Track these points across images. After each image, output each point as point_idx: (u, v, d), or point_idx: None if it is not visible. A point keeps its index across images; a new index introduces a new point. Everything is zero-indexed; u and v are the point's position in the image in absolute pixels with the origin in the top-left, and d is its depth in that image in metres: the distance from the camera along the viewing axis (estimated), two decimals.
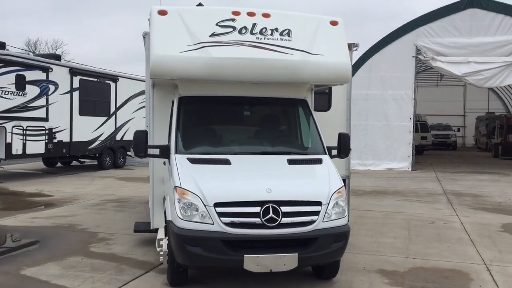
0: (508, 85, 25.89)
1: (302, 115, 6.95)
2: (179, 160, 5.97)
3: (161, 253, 6.11)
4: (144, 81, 22.64)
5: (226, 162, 5.97)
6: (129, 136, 21.40)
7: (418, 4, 75.13)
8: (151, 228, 7.56)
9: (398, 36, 21.97)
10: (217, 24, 6.27)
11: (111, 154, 20.57)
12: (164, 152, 6.38)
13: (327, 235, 5.52)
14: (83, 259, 7.16)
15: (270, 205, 5.35)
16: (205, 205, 5.35)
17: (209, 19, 6.31)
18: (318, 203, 5.54)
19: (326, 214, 5.55)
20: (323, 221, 5.52)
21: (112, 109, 20.39)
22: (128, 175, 18.54)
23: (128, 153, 21.99)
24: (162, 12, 6.27)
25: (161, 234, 7.22)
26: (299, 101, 7.04)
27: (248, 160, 6.14)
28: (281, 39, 6.31)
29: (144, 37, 7.67)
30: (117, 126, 20.70)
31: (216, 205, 5.34)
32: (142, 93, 22.22)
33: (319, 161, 6.27)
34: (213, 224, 5.31)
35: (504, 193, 14.73)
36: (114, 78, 20.60)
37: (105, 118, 19.92)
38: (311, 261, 5.59)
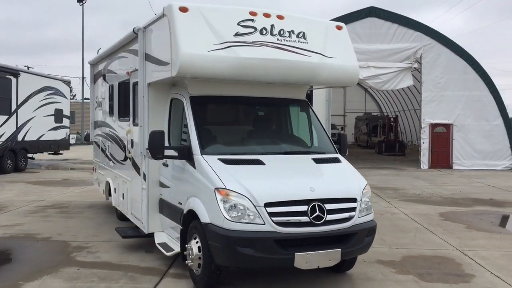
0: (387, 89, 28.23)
1: (308, 115, 7.17)
2: (211, 161, 5.85)
3: (191, 257, 5.90)
4: (49, 77, 21.68)
5: (259, 162, 5.97)
6: (31, 137, 19.86)
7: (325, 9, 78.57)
8: (146, 232, 7.25)
9: None
10: (238, 24, 6.24)
11: (12, 157, 18.82)
12: (184, 153, 6.19)
13: (362, 229, 5.81)
14: (80, 269, 6.66)
15: (316, 203, 5.51)
16: (255, 206, 5.34)
17: (230, 18, 6.25)
18: (354, 200, 5.81)
19: (360, 210, 5.84)
20: (358, 217, 5.80)
21: (14, 107, 18.67)
22: (38, 178, 17.14)
23: (29, 155, 20.34)
24: (183, 9, 6.07)
25: (160, 238, 7.01)
26: (301, 101, 7.25)
27: (278, 160, 6.20)
28: (298, 41, 6.46)
29: (136, 33, 7.29)
30: (19, 125, 19.02)
31: (267, 205, 5.36)
32: (44, 89, 20.77)
33: (338, 160, 6.54)
34: (264, 224, 5.32)
35: (415, 186, 16.25)
36: (15, 73, 18.89)
37: (5, 117, 18.19)
38: (350, 255, 5.84)
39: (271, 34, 6.34)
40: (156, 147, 6.19)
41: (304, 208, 5.46)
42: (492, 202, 13.12)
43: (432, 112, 22.77)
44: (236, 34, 6.15)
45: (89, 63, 11.66)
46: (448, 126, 22.89)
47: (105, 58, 10.21)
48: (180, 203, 6.37)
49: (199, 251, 5.78)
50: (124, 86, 8.63)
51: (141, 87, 7.21)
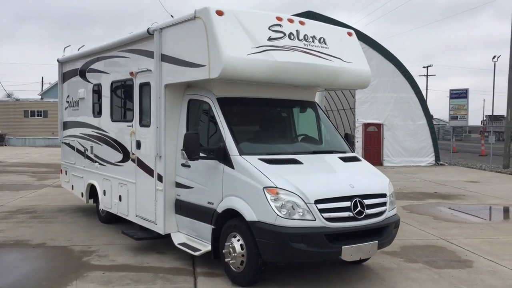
0: None
1: (320, 115, 7.55)
2: (253, 161, 6.04)
3: (233, 254, 6.05)
4: None
5: (297, 161, 6.26)
6: None
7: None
8: (163, 233, 7.25)
9: None
10: (269, 29, 6.48)
11: None
12: (220, 154, 6.31)
13: (391, 222, 6.31)
14: (105, 273, 6.55)
15: (357, 199, 5.91)
16: (306, 203, 5.62)
17: (261, 23, 6.47)
18: (385, 195, 6.29)
19: (389, 204, 6.32)
20: (388, 211, 6.28)
21: None
22: None
23: None
24: (220, 13, 6.20)
25: (178, 239, 7.06)
26: (312, 103, 7.61)
27: (311, 159, 6.51)
28: (321, 46, 6.82)
29: (151, 33, 7.25)
30: None
31: (317, 202, 5.67)
32: None
33: (358, 159, 6.99)
34: (315, 220, 5.62)
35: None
36: None
37: None
38: (382, 247, 6.29)
39: (298, 39, 6.64)
40: (192, 148, 6.28)
41: (347, 204, 5.83)
42: (438, 195, 14.30)
43: (365, 112, 24.10)
44: (269, 39, 6.39)
45: (58, 61, 11.18)
46: (379, 126, 24.34)
47: (85, 57, 9.90)
48: (211, 203, 6.48)
49: (242, 248, 5.96)
50: (123, 87, 8.50)
51: (157, 88, 7.20)
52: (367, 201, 6.00)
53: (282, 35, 6.52)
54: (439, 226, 9.83)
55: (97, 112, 9.43)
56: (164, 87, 7.14)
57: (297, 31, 6.69)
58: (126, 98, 8.52)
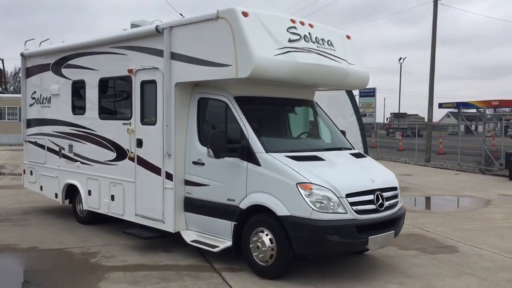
0: None
1: (322, 114, 7.92)
2: (281, 159, 6.27)
3: (263, 249, 6.24)
4: None
5: (319, 158, 6.58)
6: None
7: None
8: (173, 231, 7.27)
9: None
10: (287, 31, 6.73)
11: None
12: (244, 152, 6.47)
13: (402, 213, 6.83)
14: (126, 273, 6.47)
15: (378, 192, 6.35)
16: (338, 197, 5.96)
17: (280, 25, 6.70)
18: (396, 188, 6.79)
19: (399, 197, 6.84)
20: (399, 203, 6.80)
21: None
22: None
23: None
24: (245, 14, 6.35)
25: (189, 236, 7.14)
26: (312, 102, 7.96)
27: (330, 155, 6.83)
28: (330, 49, 7.19)
29: (159, 31, 7.21)
30: None
31: (347, 196, 6.03)
32: None
33: (364, 155, 7.43)
34: (346, 213, 5.98)
35: None
36: None
37: None
38: (396, 236, 6.76)
39: (311, 41, 6.95)
40: (218, 146, 6.39)
41: (371, 197, 6.26)
42: None
43: None
44: (289, 40, 6.64)
45: (22, 55, 10.60)
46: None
47: (60, 52, 9.52)
48: (232, 200, 6.62)
49: (271, 243, 6.18)
50: (116, 84, 8.34)
51: (166, 87, 7.18)
52: (385, 194, 6.46)
53: (298, 37, 6.79)
54: (408, 217, 10.56)
55: (79, 110, 9.13)
56: (175, 85, 7.14)
57: (309, 33, 6.99)
58: (120, 96, 8.35)
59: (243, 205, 6.47)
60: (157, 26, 7.28)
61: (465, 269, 6.88)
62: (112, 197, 8.34)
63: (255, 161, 6.39)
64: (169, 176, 7.29)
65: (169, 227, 7.32)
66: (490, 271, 6.78)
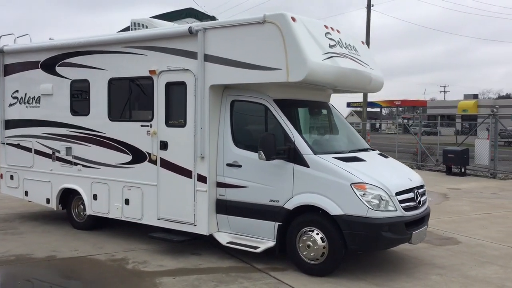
0: None
1: (341, 116, 8.25)
2: (330, 160, 6.51)
3: (315, 247, 6.44)
4: None
5: (360, 159, 6.89)
6: None
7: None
8: (207, 234, 7.28)
9: None
10: (325, 36, 6.99)
11: None
12: (290, 154, 6.63)
13: (429, 210, 7.34)
14: (176, 278, 6.40)
15: (416, 190, 6.81)
16: (389, 195, 6.33)
17: (319, 30, 6.94)
18: (424, 186, 7.29)
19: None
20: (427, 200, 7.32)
21: None
22: None
23: None
24: (293, 19, 6.51)
25: (224, 238, 7.20)
26: (328, 104, 8.26)
27: (367, 156, 7.16)
28: (357, 54, 7.54)
29: (193, 33, 7.14)
30: None
31: (397, 194, 6.41)
32: None
33: (387, 155, 7.86)
34: (396, 210, 6.36)
35: None
36: None
37: None
38: (426, 230, 7.25)
39: (344, 46, 7.26)
40: (270, 148, 6.50)
41: (411, 195, 6.70)
42: None
43: None
44: (330, 46, 6.91)
45: (0, 51, 9.85)
46: None
47: (54, 49, 9.03)
48: (275, 201, 6.76)
49: (323, 241, 6.41)
50: (132, 85, 8.11)
51: (200, 89, 7.16)
52: (420, 191, 6.94)
53: (335, 42, 7.07)
54: None
55: (80, 111, 8.74)
56: (209, 88, 7.13)
57: (340, 39, 7.30)
58: (137, 97, 8.14)
59: (290, 206, 6.64)
60: (190, 27, 7.21)
61: (480, 258, 7.55)
62: (127, 201, 8.10)
63: (303, 163, 6.57)
64: (201, 179, 7.26)
65: (202, 229, 7.29)
66: (502, 259, 7.49)
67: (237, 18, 7.01)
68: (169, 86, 7.58)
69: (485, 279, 6.57)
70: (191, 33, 7.19)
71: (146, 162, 7.85)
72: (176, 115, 7.54)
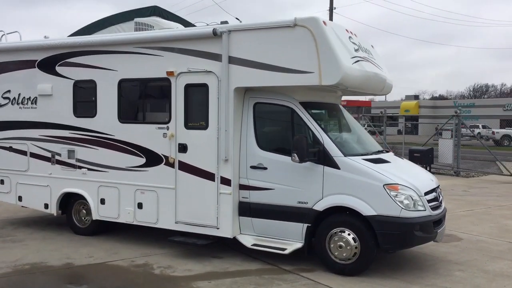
0: None
1: (351, 117, 8.42)
2: (361, 162, 6.65)
3: (347, 248, 6.55)
4: None
5: (387, 160, 7.07)
6: None
7: None
8: (231, 237, 7.24)
9: (94, 31, 21.86)
10: (349, 40, 7.12)
11: None
12: (320, 156, 6.71)
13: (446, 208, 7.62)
14: (211, 281, 6.33)
15: (437, 190, 7.07)
16: (419, 196, 6.54)
17: (344, 34, 7.06)
18: (439, 186, 7.57)
19: None
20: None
21: None
22: None
23: None
24: (325, 23, 6.61)
25: (248, 240, 7.22)
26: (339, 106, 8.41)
27: (389, 157, 7.33)
28: (373, 58, 7.72)
29: (217, 34, 7.07)
30: None
31: (425, 194, 6.63)
32: None
33: (401, 156, 8.09)
34: (425, 210, 6.58)
35: None
36: None
37: None
38: None
39: (363, 50, 7.42)
40: (303, 151, 6.56)
41: (435, 194, 6.95)
42: None
43: None
44: (355, 50, 7.04)
45: None
46: None
47: (56, 48, 8.67)
48: (304, 203, 6.83)
49: (355, 241, 6.54)
50: (146, 86, 7.94)
51: (224, 91, 7.11)
52: (439, 191, 7.21)
53: (357, 46, 7.22)
54: None
55: (85, 112, 8.44)
56: (234, 90, 7.10)
57: (359, 43, 7.45)
58: (151, 99, 7.97)
59: (320, 207, 6.72)
60: (214, 29, 7.13)
61: (488, 253, 7.92)
62: (140, 205, 7.91)
63: (333, 165, 6.67)
64: (225, 181, 7.21)
65: (225, 232, 7.24)
66: (509, 254, 7.91)
67: (264, 21, 6.99)
68: (188, 88, 7.47)
69: (503, 273, 6.91)
70: (215, 35, 7.11)
71: (162, 165, 7.70)
72: (196, 117, 7.45)
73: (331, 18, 26.66)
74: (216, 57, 7.20)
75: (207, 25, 7.76)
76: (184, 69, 7.44)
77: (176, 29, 8.02)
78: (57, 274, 6.70)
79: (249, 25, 7.13)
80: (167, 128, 7.63)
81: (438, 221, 6.92)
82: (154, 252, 7.67)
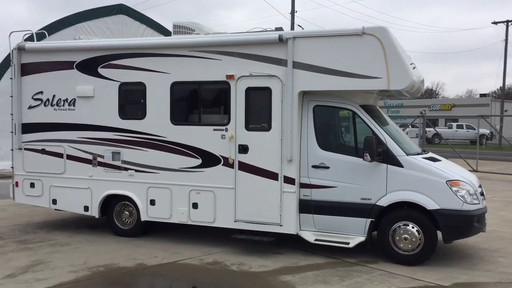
0: None
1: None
2: (423, 160, 7.28)
3: (413, 240, 7.10)
4: None
5: (439, 159, 7.71)
6: None
7: None
8: (295, 233, 7.64)
9: (58, 29, 21.27)
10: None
11: None
12: (383, 155, 7.24)
13: None
14: (295, 276, 6.69)
15: (480, 186, 7.82)
16: (475, 190, 7.23)
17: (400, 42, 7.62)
18: None
19: None
20: None
21: None
22: None
23: None
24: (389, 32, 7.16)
25: (310, 236, 7.65)
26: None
27: (436, 156, 7.97)
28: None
29: (282, 39, 7.41)
30: None
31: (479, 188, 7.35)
32: None
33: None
34: (479, 203, 7.28)
35: None
36: None
37: None
38: None
39: (409, 56, 8.02)
40: (373, 151, 7.07)
41: (481, 189, 7.67)
42: None
43: None
44: (409, 57, 7.63)
45: (20, 48, 9.10)
46: None
47: (98, 50, 8.64)
48: (367, 199, 7.34)
49: (419, 234, 7.13)
50: (203, 89, 8.13)
51: (289, 95, 7.48)
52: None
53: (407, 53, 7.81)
54: None
55: (133, 114, 8.50)
56: (298, 94, 7.48)
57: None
58: (208, 101, 8.18)
59: (384, 203, 7.26)
60: (280, 35, 7.46)
61: (499, 240, 8.77)
62: (195, 205, 8.10)
63: (396, 163, 7.23)
64: (288, 180, 7.58)
65: (289, 229, 7.61)
66: None
67: (329, 29, 7.45)
68: (249, 91, 7.76)
69: None
70: (281, 40, 7.45)
71: (220, 166, 7.93)
72: (258, 119, 7.74)
73: (292, 22, 27.36)
74: (279, 62, 7.54)
75: (265, 30, 8.06)
76: (245, 73, 7.72)
77: (237, 33, 8.19)
78: (142, 274, 6.79)
79: (314, 32, 7.54)
80: (226, 130, 7.87)
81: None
82: (213, 250, 7.88)
